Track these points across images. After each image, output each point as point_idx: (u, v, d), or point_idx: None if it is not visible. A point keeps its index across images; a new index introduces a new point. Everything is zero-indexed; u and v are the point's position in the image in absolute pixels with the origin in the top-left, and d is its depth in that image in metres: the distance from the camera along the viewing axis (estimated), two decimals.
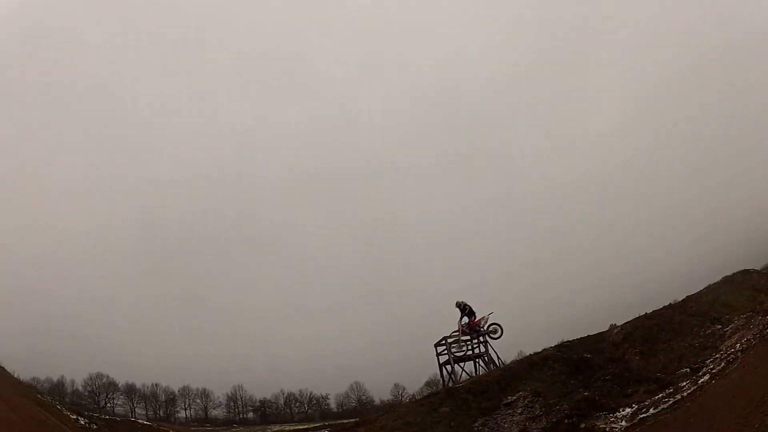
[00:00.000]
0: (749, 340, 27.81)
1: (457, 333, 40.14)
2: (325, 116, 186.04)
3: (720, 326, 32.31)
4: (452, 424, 30.59)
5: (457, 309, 40.61)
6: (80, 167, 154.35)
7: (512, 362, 39.20)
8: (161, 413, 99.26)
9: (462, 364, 42.36)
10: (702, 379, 26.49)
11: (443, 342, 42.19)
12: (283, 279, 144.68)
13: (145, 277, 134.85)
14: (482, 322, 39.97)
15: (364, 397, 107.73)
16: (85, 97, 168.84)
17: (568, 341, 36.85)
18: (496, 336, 40.12)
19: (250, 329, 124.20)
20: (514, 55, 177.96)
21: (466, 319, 40.24)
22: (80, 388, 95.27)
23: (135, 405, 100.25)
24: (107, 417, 49.05)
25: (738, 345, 28.29)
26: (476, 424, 30.41)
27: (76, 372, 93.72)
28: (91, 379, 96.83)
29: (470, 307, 40.38)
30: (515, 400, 31.63)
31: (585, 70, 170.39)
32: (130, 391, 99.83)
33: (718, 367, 26.70)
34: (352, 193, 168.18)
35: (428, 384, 75.77)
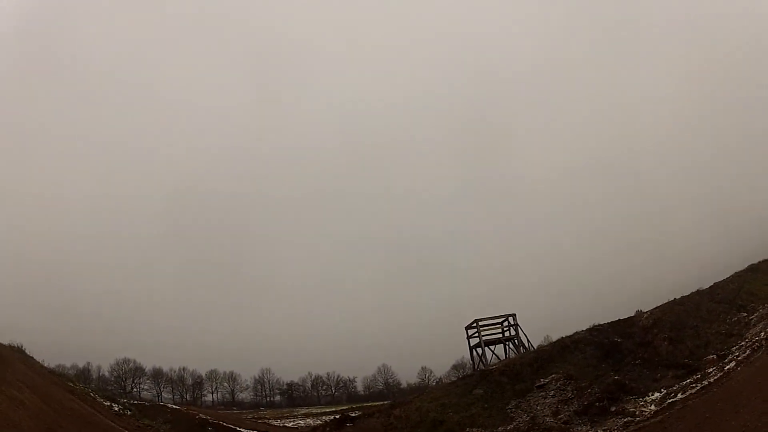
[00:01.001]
0: None
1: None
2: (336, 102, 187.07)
3: (745, 314, 33.26)
4: (486, 405, 31.44)
5: None
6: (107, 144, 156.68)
7: (544, 345, 40.08)
8: (188, 397, 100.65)
9: (492, 347, 43.29)
10: (728, 366, 27.34)
11: (474, 324, 43.08)
12: (311, 257, 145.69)
13: (173, 258, 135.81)
14: None
15: (391, 380, 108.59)
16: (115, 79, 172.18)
17: (598, 325, 37.68)
18: None
19: (278, 311, 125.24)
20: (528, 50, 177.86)
21: None
22: (107, 374, 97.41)
23: (162, 389, 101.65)
24: (137, 402, 49.63)
25: (762, 333, 29.27)
26: (510, 406, 31.35)
27: (101, 358, 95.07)
28: (117, 364, 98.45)
29: None
30: (548, 382, 32.55)
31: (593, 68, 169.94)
32: (157, 375, 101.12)
33: (744, 355, 27.59)
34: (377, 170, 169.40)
35: (455, 367, 77.31)
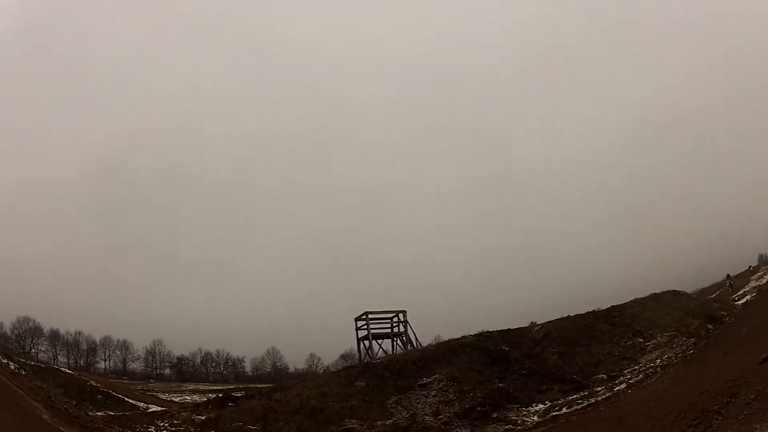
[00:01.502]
0: (671, 357, 28.26)
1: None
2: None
3: (642, 340, 32.86)
4: (367, 398, 30.28)
5: None
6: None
7: (431, 345, 39.22)
8: (82, 362, 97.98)
9: (380, 341, 42.40)
10: (618, 387, 26.78)
11: (364, 317, 42.06)
12: (219, 238, 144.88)
13: (84, 222, 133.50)
14: None
15: (279, 364, 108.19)
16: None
17: (488, 332, 37.01)
18: None
19: (175, 284, 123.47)
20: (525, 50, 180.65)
21: None
22: (8, 331, 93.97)
23: (58, 352, 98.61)
24: (32, 363, 48.52)
25: (659, 360, 28.75)
26: (390, 401, 30.15)
27: (4, 314, 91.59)
28: (18, 322, 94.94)
29: None
30: (430, 382, 31.49)
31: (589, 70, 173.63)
32: (54, 337, 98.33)
33: (636, 378, 27.03)
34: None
35: (343, 357, 76.57)
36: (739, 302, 44.09)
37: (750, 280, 59.56)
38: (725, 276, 64.18)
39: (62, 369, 55.89)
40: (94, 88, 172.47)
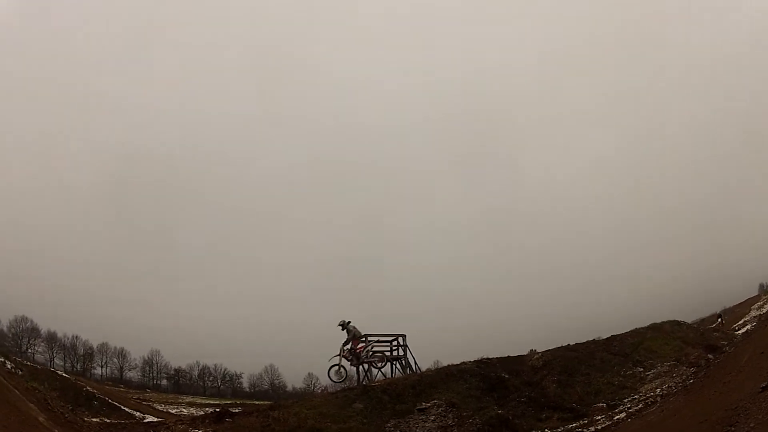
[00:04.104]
0: (671, 387, 28.18)
1: (338, 356, 35.08)
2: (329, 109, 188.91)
3: (642, 369, 32.89)
4: (365, 421, 30.11)
5: (341, 328, 35.98)
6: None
7: (430, 370, 39.11)
8: (78, 367, 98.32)
9: (379, 365, 42.29)
10: (618, 416, 26.66)
11: (363, 339, 41.96)
12: (223, 254, 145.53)
13: (90, 228, 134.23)
14: (365, 349, 35.66)
15: (277, 381, 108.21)
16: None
17: (487, 358, 36.96)
18: (380, 366, 36.48)
19: (175, 296, 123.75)
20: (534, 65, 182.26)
21: (353, 340, 35.75)
22: (5, 329, 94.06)
23: (54, 355, 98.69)
24: (29, 364, 48.46)
25: (659, 390, 28.72)
26: (389, 425, 30.01)
27: (2, 313, 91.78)
28: (16, 321, 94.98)
29: (355, 329, 35.76)
30: (429, 407, 31.34)
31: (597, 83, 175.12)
32: (51, 339, 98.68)
33: (636, 407, 26.93)
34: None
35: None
36: (740, 331, 44.14)
37: (750, 310, 59.67)
38: (717, 314, 64.31)
39: (59, 372, 56.36)
40: (102, 99, 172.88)
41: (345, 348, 32.95)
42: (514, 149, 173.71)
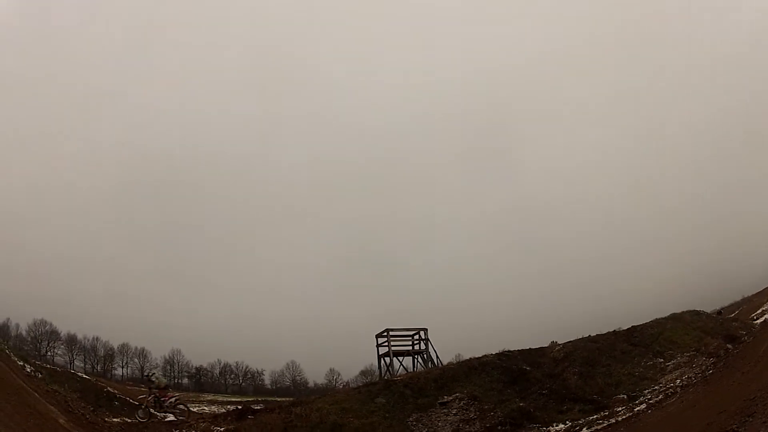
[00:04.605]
0: (690, 377, 28.22)
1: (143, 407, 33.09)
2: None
3: (662, 360, 32.92)
4: (387, 415, 30.39)
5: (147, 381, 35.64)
6: None
7: (451, 363, 39.34)
8: (99, 368, 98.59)
9: (401, 358, 42.65)
10: (638, 408, 26.67)
11: (385, 333, 42.33)
12: (245, 253, 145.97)
13: (108, 230, 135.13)
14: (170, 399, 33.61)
15: (298, 378, 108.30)
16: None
17: (508, 351, 37.11)
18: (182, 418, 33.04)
19: (195, 296, 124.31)
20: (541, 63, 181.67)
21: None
22: (24, 333, 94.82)
23: (74, 357, 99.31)
24: (49, 366, 48.68)
25: (678, 381, 28.73)
26: (411, 419, 30.29)
27: (21, 317, 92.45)
28: (35, 324, 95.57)
29: (159, 380, 34.57)
30: (451, 400, 31.57)
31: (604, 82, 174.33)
32: (71, 342, 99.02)
33: (656, 399, 26.96)
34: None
35: (363, 373, 76.65)
36: (758, 321, 44.02)
37: None
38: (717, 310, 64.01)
39: (78, 374, 56.13)
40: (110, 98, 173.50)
41: (149, 399, 32.60)
42: (513, 149, 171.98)
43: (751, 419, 16.34)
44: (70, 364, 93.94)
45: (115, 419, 33.71)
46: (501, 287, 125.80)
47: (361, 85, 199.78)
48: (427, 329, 43.24)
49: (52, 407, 23.05)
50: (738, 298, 73.91)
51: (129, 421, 32.16)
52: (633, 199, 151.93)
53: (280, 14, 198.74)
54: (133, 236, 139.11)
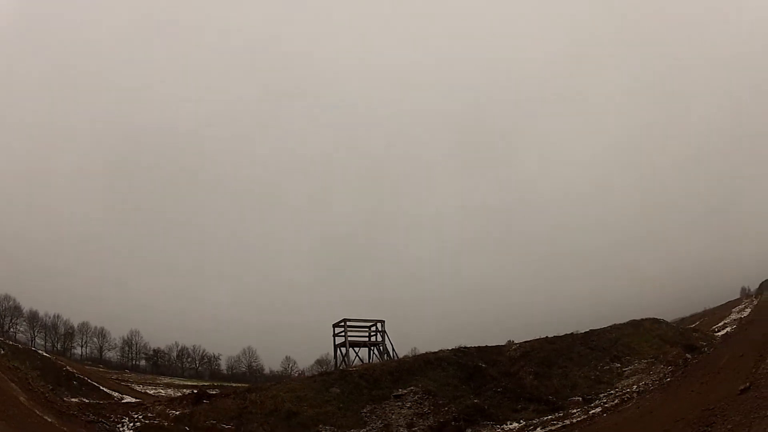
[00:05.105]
0: (647, 384, 28.32)
1: None
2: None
3: (619, 365, 33.03)
4: (341, 405, 30.10)
5: None
6: None
7: (407, 357, 39.16)
8: (59, 346, 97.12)
9: (357, 349, 42.32)
10: (594, 411, 26.72)
11: (342, 323, 41.98)
12: (208, 238, 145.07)
13: (76, 211, 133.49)
14: None
15: (254, 364, 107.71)
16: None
17: (465, 347, 37.18)
18: None
19: (156, 276, 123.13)
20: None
21: None
22: None
23: (36, 334, 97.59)
24: (11, 343, 48.04)
25: (635, 386, 28.82)
26: (365, 410, 30.01)
27: None
28: None
29: None
30: (406, 393, 31.39)
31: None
32: (33, 318, 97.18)
33: (612, 403, 26.98)
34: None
35: (319, 362, 76.05)
36: (719, 333, 44.36)
37: (731, 312, 59.94)
38: None
39: (39, 351, 55.75)
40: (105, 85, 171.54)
41: None
42: (513, 148, 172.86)
43: (710, 429, 16.23)
44: (32, 341, 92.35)
45: (73, 399, 33.24)
46: (463, 282, 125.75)
47: (361, 77, 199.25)
48: (384, 321, 42.97)
49: (13, 384, 22.56)
50: (699, 310, 74.76)
51: (87, 401, 31.61)
52: (604, 198, 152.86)
53: (280, 12, 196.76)
54: (99, 217, 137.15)
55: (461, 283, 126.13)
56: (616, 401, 27.10)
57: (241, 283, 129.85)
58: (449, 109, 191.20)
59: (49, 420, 20.52)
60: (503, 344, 38.87)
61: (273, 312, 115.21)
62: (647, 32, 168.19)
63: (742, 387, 17.54)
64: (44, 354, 53.58)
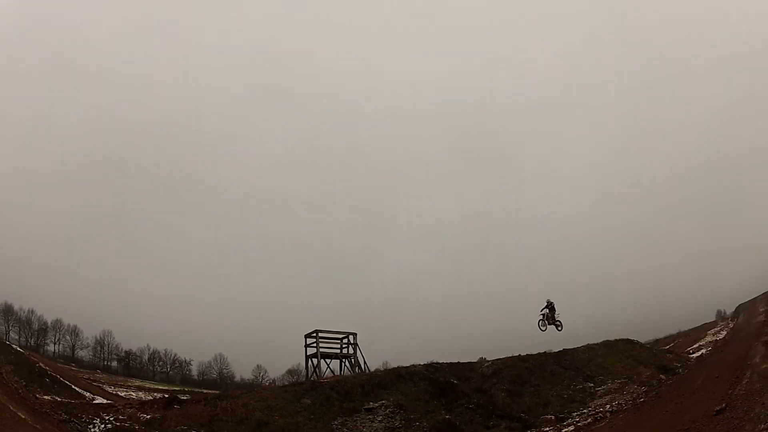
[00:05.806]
0: (621, 404, 28.27)
1: None
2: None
3: (592, 384, 33.03)
4: (312, 417, 29.77)
5: None
6: None
7: (379, 370, 38.95)
8: (32, 342, 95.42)
9: (328, 361, 41.98)
10: (566, 429, 26.72)
11: (314, 334, 41.67)
12: (188, 240, 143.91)
13: (57, 206, 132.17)
14: None
15: (225, 371, 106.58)
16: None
17: (437, 363, 37.07)
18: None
19: (132, 276, 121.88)
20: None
21: None
22: None
23: (10, 328, 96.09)
24: None
25: (608, 406, 28.78)
26: (336, 422, 29.71)
27: None
28: None
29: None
30: (377, 407, 31.12)
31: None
32: (8, 311, 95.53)
33: (584, 422, 26.94)
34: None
35: (290, 372, 75.35)
36: (694, 355, 44.49)
37: (706, 334, 60.17)
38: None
39: (13, 346, 55.29)
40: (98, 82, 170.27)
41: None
42: (513, 147, 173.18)
43: None
44: (6, 334, 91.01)
45: (46, 397, 32.71)
46: (439, 294, 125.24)
47: (360, 79, 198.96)
48: (356, 333, 42.70)
49: None
50: (674, 332, 74.89)
51: (59, 399, 31.14)
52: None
53: (280, 12, 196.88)
54: (87, 216, 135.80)
55: (435, 295, 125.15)
56: (589, 420, 27.07)
57: (218, 287, 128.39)
58: (449, 111, 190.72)
59: (23, 416, 20.12)
60: (475, 361, 38.67)
61: (246, 319, 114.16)
62: (647, 32, 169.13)
63: (718, 408, 17.50)
64: (18, 348, 53.43)
